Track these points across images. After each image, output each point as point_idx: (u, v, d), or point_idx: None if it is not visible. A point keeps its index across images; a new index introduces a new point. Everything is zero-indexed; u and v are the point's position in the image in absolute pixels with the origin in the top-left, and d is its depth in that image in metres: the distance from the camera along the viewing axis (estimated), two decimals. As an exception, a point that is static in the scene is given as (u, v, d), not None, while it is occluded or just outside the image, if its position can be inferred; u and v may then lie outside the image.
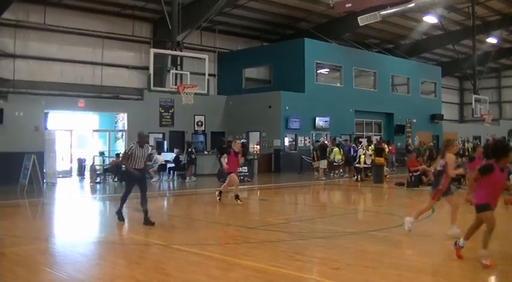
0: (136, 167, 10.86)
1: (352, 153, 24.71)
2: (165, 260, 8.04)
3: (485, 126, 38.69)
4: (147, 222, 10.75)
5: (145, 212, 10.85)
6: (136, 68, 30.39)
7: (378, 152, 23.20)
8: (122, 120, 27.94)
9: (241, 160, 17.22)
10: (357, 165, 23.57)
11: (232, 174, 14.90)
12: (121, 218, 11.29)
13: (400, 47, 39.85)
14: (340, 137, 30.18)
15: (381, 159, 22.97)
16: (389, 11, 27.77)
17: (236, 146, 15.19)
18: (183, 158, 23.95)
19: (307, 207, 16.79)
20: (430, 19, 32.82)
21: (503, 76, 52.75)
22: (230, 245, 9.13)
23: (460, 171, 10.68)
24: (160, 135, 28.25)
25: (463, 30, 36.90)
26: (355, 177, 23.48)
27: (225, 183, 15.40)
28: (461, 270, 7.27)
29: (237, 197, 14.78)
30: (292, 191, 20.42)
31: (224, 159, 15.48)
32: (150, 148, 12.28)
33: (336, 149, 25.18)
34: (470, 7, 31.70)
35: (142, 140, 11.11)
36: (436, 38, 38.93)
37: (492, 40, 39.12)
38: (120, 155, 19.27)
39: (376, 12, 25.80)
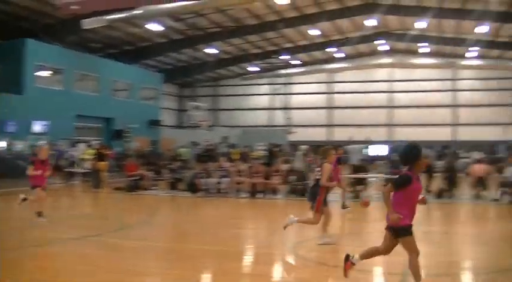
0: None
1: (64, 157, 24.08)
2: None
3: (202, 132, 41.16)
4: None
5: None
6: None
7: (99, 156, 23.07)
8: None
9: None
10: (71, 170, 23.09)
11: None
12: None
13: (124, 52, 40.24)
14: (59, 142, 28.97)
15: (102, 164, 22.89)
16: (115, 16, 27.97)
17: None
18: None
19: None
20: (155, 27, 33.92)
21: (219, 85, 57.04)
22: None
23: (334, 184, 10.23)
24: None
25: (185, 39, 38.89)
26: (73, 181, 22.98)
27: None
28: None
29: None
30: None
31: None
32: None
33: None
34: (194, 18, 33.47)
35: None
36: (159, 45, 40.26)
37: (212, 50, 42.08)
38: None
39: (102, 17, 25.72)
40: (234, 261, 8.35)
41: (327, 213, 9.42)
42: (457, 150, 34.14)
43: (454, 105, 48.84)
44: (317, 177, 9.38)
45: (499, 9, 31.28)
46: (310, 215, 9.49)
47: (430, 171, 19.07)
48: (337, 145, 18.14)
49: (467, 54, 44.13)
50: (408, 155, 6.20)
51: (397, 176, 6.27)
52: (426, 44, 43.64)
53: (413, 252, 6.13)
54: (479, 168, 18.25)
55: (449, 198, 17.61)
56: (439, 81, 48.84)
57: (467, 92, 48.64)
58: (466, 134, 47.01)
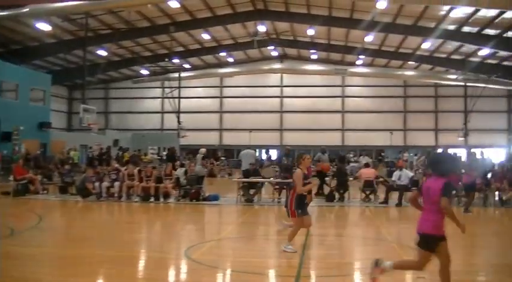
0: None
1: None
2: None
3: (92, 135, 40.26)
4: None
5: None
6: None
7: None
8: None
9: None
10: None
11: None
12: None
13: (12, 52, 38.52)
14: None
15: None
16: (1, 13, 26.91)
17: None
18: None
19: None
20: (44, 26, 32.70)
21: (110, 88, 55.68)
22: None
23: (310, 187, 9.80)
24: None
25: (75, 40, 37.77)
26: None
27: None
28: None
29: None
30: None
31: None
32: None
33: None
34: (84, 19, 32.82)
35: None
36: (48, 45, 38.88)
37: (102, 52, 41.10)
38: None
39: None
40: (129, 266, 8.32)
41: (301, 221, 9.22)
42: (346, 155, 35.91)
43: (343, 111, 51.19)
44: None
45: (385, 20, 33.38)
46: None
47: (322, 175, 19.77)
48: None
49: (356, 62, 46.33)
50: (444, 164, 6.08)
51: (448, 184, 5.85)
52: (316, 51, 45.46)
53: (448, 258, 5.90)
54: (367, 172, 19.05)
55: (340, 201, 18.28)
56: (329, 88, 50.84)
57: (356, 99, 51.10)
58: (354, 139, 49.55)
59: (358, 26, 34.47)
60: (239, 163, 21.76)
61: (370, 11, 31.76)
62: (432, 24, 33.15)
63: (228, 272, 8.11)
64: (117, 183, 18.55)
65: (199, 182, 18.92)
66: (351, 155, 38.28)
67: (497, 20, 30.14)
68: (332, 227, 13.70)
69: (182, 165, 21.27)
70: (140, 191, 18.31)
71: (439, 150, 12.45)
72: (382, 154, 39.76)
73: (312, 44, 43.48)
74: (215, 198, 18.61)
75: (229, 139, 52.01)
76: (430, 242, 5.82)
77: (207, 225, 14.31)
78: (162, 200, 18.31)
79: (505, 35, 32.82)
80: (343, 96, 51.58)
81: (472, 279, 7.80)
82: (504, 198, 17.31)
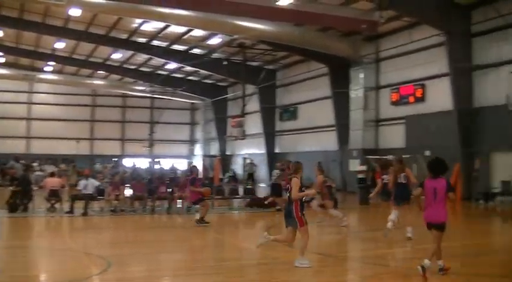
0: None
1: None
2: None
3: None
4: None
5: None
6: None
7: None
8: None
9: None
10: None
11: None
12: None
13: None
14: None
15: None
16: None
17: None
18: None
19: None
20: None
21: None
22: None
23: (308, 193, 9.50)
24: None
25: None
26: None
27: None
28: None
29: None
30: None
31: None
32: None
33: None
34: None
35: None
36: None
37: None
38: None
39: None
40: None
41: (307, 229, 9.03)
42: (31, 163, 33.89)
43: (29, 118, 48.42)
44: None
45: (78, 27, 32.79)
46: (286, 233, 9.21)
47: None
48: None
49: (45, 68, 44.19)
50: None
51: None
52: (3, 54, 41.81)
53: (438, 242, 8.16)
54: (52, 181, 18.45)
55: (24, 211, 17.39)
56: (15, 93, 47.39)
57: (44, 106, 48.80)
58: (40, 148, 47.08)
59: (50, 31, 33.24)
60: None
61: (63, 17, 30.95)
62: (124, 36, 34.02)
63: None
64: None
65: None
66: (36, 164, 36.34)
67: (185, 37, 32.52)
68: (15, 239, 12.96)
69: None
70: None
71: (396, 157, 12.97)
72: (74, 164, 38.54)
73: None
74: None
75: None
76: (444, 226, 8.17)
77: None
78: None
79: (191, 51, 35.73)
80: (30, 103, 48.83)
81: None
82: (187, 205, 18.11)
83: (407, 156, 20.97)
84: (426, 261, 7.96)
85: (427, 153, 24.38)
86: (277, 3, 21.82)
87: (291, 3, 22.01)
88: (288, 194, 9.14)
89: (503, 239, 13.40)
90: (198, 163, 39.89)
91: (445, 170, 8.31)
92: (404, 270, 8.87)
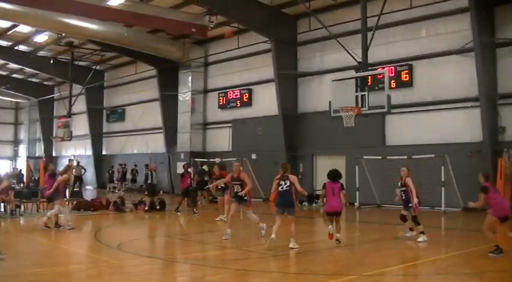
0: None
1: None
2: None
3: None
4: None
5: None
6: None
7: None
8: None
9: None
10: None
11: None
12: None
13: None
14: None
15: None
16: None
17: None
18: None
19: None
20: None
21: None
22: None
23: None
24: None
25: None
26: None
27: None
28: None
29: None
30: None
31: None
32: None
33: None
34: None
35: None
36: None
37: None
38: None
39: None
40: None
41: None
42: None
43: None
44: (285, 188, 10.61)
45: None
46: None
47: None
48: None
49: None
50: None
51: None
52: None
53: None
54: None
55: None
56: None
57: None
58: None
59: None
60: None
61: None
62: None
63: None
64: None
65: None
66: None
67: (10, 32, 29.93)
68: None
69: None
70: None
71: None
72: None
73: None
74: None
75: None
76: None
77: None
78: None
79: (16, 48, 32.94)
80: None
81: None
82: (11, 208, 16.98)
83: (234, 159, 21.13)
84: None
85: (254, 156, 24.89)
86: (107, 3, 20.95)
87: (122, 4, 21.30)
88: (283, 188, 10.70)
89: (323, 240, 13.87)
90: (22, 165, 37.65)
91: (340, 177, 11.05)
92: (234, 272, 8.61)
